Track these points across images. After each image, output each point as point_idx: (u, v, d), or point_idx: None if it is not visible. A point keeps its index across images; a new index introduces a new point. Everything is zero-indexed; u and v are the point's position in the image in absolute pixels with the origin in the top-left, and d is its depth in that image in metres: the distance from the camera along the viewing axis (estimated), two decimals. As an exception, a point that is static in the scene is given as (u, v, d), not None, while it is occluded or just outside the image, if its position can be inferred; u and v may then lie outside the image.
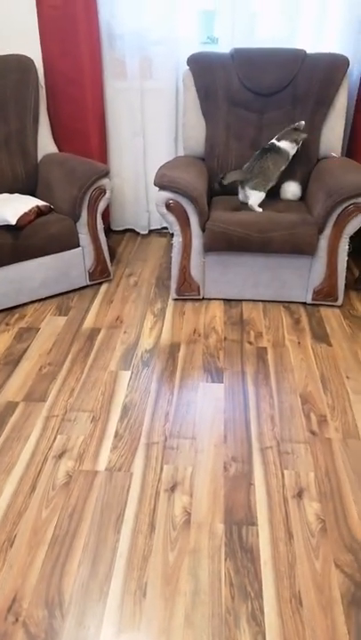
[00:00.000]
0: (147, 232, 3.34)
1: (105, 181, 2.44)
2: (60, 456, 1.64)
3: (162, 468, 1.60)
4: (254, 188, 2.44)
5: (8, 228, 2.29)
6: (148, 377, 2.02)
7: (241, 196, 2.52)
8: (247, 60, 2.55)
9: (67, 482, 1.55)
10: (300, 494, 1.50)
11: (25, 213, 2.30)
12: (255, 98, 2.57)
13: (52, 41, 2.66)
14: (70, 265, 2.52)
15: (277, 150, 2.47)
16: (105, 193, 2.46)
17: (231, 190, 2.61)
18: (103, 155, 2.98)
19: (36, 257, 2.40)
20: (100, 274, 2.66)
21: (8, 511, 1.45)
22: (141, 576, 1.28)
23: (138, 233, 3.36)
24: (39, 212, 2.40)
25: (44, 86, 2.72)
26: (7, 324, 2.35)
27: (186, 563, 1.31)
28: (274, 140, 2.49)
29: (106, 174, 2.44)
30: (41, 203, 2.44)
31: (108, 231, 3.28)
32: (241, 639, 1.15)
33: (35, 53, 2.69)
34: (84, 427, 1.76)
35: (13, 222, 2.26)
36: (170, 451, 1.67)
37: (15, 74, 2.56)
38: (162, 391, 1.94)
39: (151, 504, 1.48)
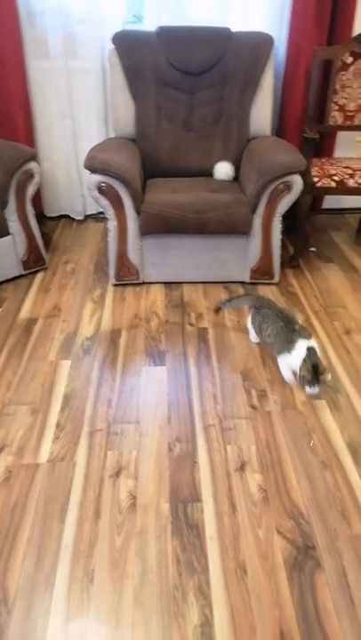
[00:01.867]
0: (82, 217, 3.26)
1: (32, 165, 2.35)
2: None
3: (106, 455, 1.58)
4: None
5: None
6: (89, 365, 1.99)
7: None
8: (173, 39, 2.51)
9: (7, 477, 1.50)
10: (242, 467, 1.54)
11: None
12: (184, 77, 2.55)
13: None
14: (1, 254, 2.42)
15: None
16: (33, 177, 2.37)
17: (164, 173, 2.60)
18: (30, 138, 2.86)
19: (-36, 247, 2.29)
20: (34, 262, 2.57)
21: None
22: (88, 563, 1.27)
23: (73, 219, 3.27)
24: (-36, 200, 2.28)
25: None
26: None
27: (133, 545, 1.32)
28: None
29: (33, 157, 2.34)
30: (-35, 190, 2.32)
31: (42, 218, 3.18)
32: (189, 613, 1.17)
33: None
34: (24, 420, 1.71)
35: None
36: (114, 437, 1.66)
37: None
38: (104, 378, 1.92)
39: (96, 491, 1.46)
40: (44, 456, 1.57)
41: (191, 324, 2.24)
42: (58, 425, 1.70)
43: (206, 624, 1.15)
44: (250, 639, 1.12)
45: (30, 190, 2.38)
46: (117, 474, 1.52)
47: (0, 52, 2.55)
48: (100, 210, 3.20)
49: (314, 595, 1.21)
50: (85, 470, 1.53)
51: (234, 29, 2.53)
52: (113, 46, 2.51)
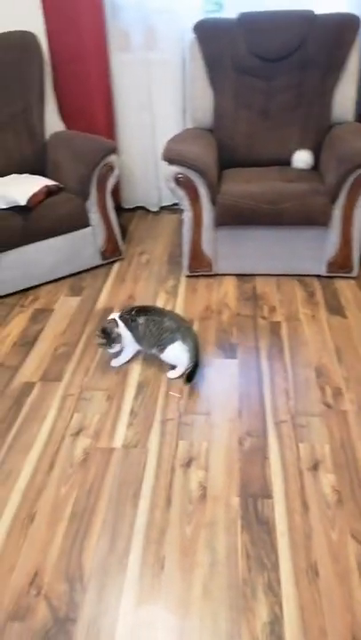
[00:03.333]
0: (158, 209, 3.30)
1: (113, 158, 2.41)
2: (77, 434, 1.66)
3: (177, 444, 1.61)
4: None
5: (18, 209, 2.28)
6: (161, 354, 2.02)
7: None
8: (255, 25, 2.45)
9: (84, 459, 1.57)
10: (315, 466, 1.50)
11: (34, 194, 2.29)
12: (263, 64, 2.48)
13: (55, 15, 2.59)
14: (81, 245, 2.51)
15: None
16: (113, 170, 2.43)
17: (240, 162, 2.55)
18: (110, 131, 2.93)
19: (47, 238, 2.39)
20: (111, 253, 2.65)
21: (28, 489, 1.49)
22: (159, 549, 1.31)
23: (149, 210, 3.32)
24: (49, 192, 2.38)
25: (49, 63, 2.66)
26: (22, 306, 2.37)
27: (202, 535, 1.33)
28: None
29: (113, 151, 2.40)
30: (50, 182, 2.42)
31: (119, 209, 3.25)
32: (258, 609, 1.17)
33: (38, 29, 2.63)
34: (100, 405, 1.78)
35: (23, 203, 2.25)
36: (185, 427, 1.68)
37: (18, 51, 2.51)
38: (176, 368, 1.94)
39: (167, 479, 1.49)
40: (118, 441, 1.63)
41: (263, 317, 2.21)
42: (132, 412, 1.75)
43: (276, 622, 1.14)
44: (320, 642, 1.10)
45: (110, 183, 2.45)
46: (188, 464, 1.54)
47: (86, 47, 2.63)
48: (175, 201, 3.22)
49: (390, 604, 1.16)
50: (157, 458, 1.56)
51: (318, 12, 2.43)
52: (193, 36, 2.50)
